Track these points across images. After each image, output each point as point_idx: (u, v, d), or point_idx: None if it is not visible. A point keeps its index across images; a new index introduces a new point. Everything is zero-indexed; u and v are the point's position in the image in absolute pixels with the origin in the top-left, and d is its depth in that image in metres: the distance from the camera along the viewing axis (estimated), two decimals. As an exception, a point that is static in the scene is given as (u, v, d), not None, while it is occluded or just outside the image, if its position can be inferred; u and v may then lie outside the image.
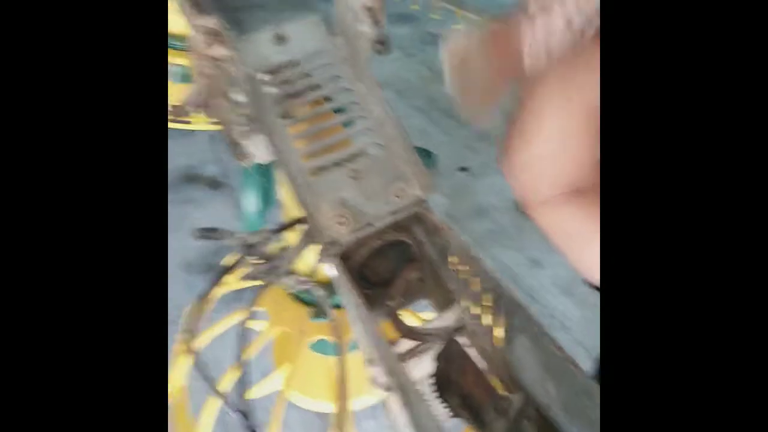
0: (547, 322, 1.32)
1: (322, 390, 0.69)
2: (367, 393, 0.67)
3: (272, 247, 0.28)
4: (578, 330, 1.30)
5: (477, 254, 0.29)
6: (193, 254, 1.53)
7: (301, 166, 0.32)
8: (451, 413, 0.27)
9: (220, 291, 0.75)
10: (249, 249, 0.27)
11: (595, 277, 0.41)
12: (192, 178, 1.75)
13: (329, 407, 0.69)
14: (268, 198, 0.81)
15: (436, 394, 0.28)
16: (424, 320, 0.40)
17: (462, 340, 0.30)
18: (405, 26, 2.38)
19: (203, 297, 0.27)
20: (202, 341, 0.65)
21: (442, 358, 0.28)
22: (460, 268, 0.31)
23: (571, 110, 0.22)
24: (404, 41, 2.35)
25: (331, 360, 0.69)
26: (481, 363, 0.29)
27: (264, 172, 0.80)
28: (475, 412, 0.26)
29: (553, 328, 1.29)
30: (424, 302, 0.38)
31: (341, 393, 0.39)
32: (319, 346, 0.68)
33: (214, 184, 1.77)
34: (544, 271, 1.45)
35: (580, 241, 0.39)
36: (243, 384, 0.24)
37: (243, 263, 0.28)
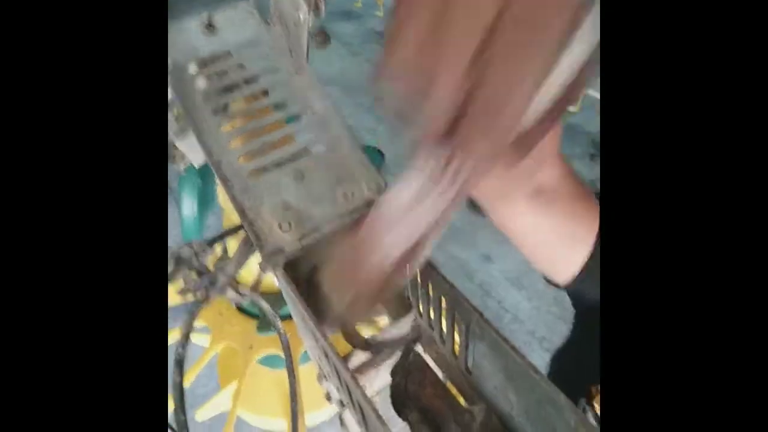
0: (501, 314, 1.34)
1: (274, 406, 0.65)
2: (320, 407, 0.65)
3: (209, 258, 0.25)
4: (530, 322, 1.34)
5: (431, 259, 0.27)
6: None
7: (237, 168, 0.29)
8: (411, 428, 0.26)
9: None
10: (182, 262, 0.24)
11: (561, 277, 0.41)
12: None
13: (281, 424, 0.66)
14: (206, 202, 0.76)
15: (394, 409, 0.26)
16: (380, 328, 0.38)
17: (421, 346, 0.28)
18: (349, 24, 2.36)
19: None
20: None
21: (400, 372, 0.26)
22: (414, 274, 0.29)
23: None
24: (348, 39, 2.32)
25: (282, 374, 0.65)
26: (439, 373, 0.27)
27: (202, 174, 0.75)
28: (436, 426, 0.24)
29: (506, 320, 1.32)
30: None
31: (294, 410, 0.36)
32: (268, 361, 0.64)
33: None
34: (495, 265, 1.47)
35: (544, 244, 0.39)
36: (183, 414, 0.21)
37: (178, 277, 0.25)
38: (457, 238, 1.52)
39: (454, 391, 0.26)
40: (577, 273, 0.40)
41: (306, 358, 0.57)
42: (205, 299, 0.27)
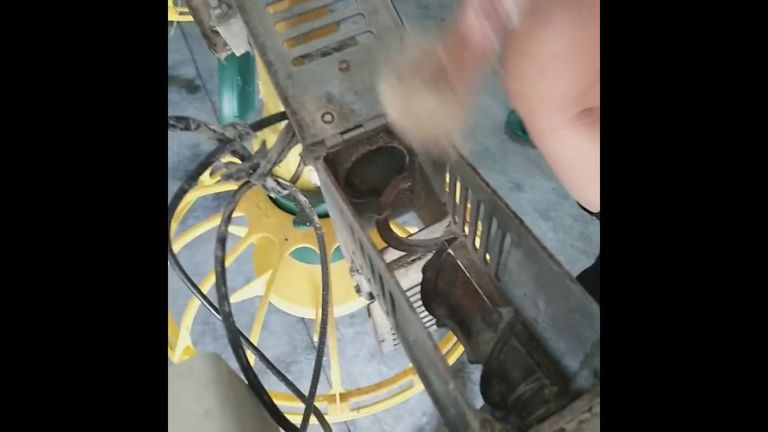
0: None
1: (304, 296, 0.70)
2: (345, 301, 0.69)
3: (251, 144, 0.25)
4: (553, 251, 1.35)
5: (472, 165, 0.27)
6: (171, 160, 1.48)
7: (283, 54, 0.28)
8: (437, 322, 0.27)
9: (196, 194, 0.72)
10: (225, 144, 0.24)
11: (597, 206, 0.40)
12: (168, 80, 1.64)
13: (310, 313, 0.71)
14: (246, 100, 0.75)
15: (423, 303, 0.27)
16: (409, 233, 0.39)
17: (453, 251, 0.29)
18: None
19: (179, 195, 0.24)
20: (179, 244, 0.63)
21: (432, 268, 0.27)
22: (453, 179, 0.29)
23: (581, 16, 0.19)
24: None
25: (313, 268, 0.69)
26: (471, 275, 0.28)
27: (242, 72, 0.73)
28: (462, 322, 0.25)
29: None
30: (407, 218, 0.36)
31: (326, 300, 0.39)
32: (301, 254, 0.67)
33: (191, 87, 1.66)
34: (524, 194, 1.45)
35: (587, 172, 0.38)
36: (224, 287, 0.23)
37: (220, 158, 0.25)
38: (488, 164, 1.49)
39: (483, 294, 0.27)
40: None
41: (336, 256, 0.60)
42: (248, 184, 0.28)
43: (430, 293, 0.26)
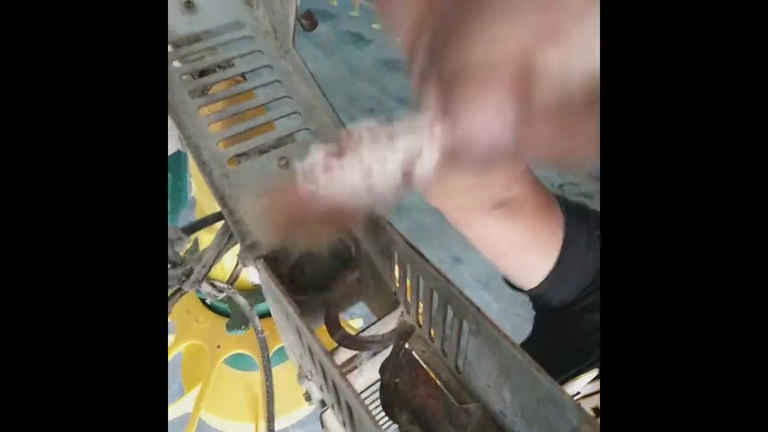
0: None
1: (240, 409, 0.62)
2: (290, 410, 0.62)
3: (184, 249, 0.23)
4: (497, 323, 1.36)
5: (420, 252, 0.26)
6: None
7: (218, 154, 0.27)
8: (401, 429, 0.24)
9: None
10: (152, 251, 0.22)
11: (525, 284, 0.41)
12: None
13: (249, 428, 0.63)
14: (177, 197, 0.72)
15: (383, 408, 0.25)
16: (355, 329, 0.37)
17: (409, 345, 0.27)
18: (324, 24, 2.34)
19: None
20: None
21: (389, 369, 0.25)
22: (403, 268, 0.28)
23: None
24: (323, 39, 2.30)
25: (249, 375, 0.63)
26: (431, 370, 0.26)
27: (172, 166, 0.71)
28: (428, 427, 0.23)
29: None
30: (351, 310, 0.34)
31: (270, 410, 0.34)
32: (235, 360, 0.61)
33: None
34: (464, 267, 1.49)
35: (510, 253, 0.39)
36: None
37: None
38: (427, 239, 1.53)
39: (445, 391, 0.25)
40: (541, 281, 0.41)
41: (277, 359, 0.55)
42: (180, 291, 0.25)
43: (390, 397, 0.24)
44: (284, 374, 0.54)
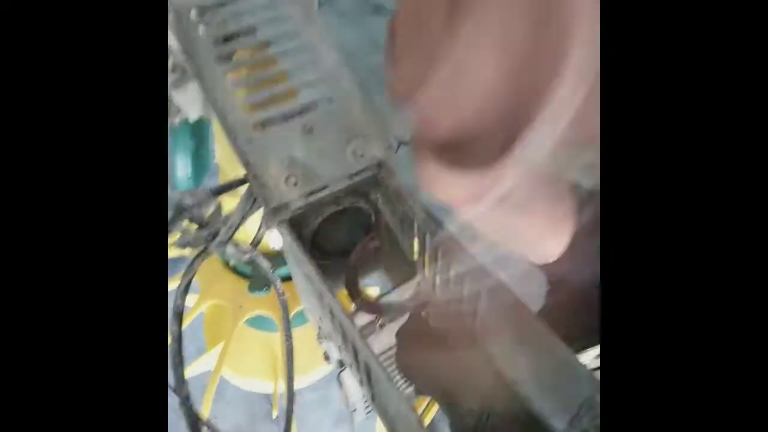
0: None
1: (260, 368, 0.65)
2: (309, 370, 0.65)
3: (211, 210, 0.24)
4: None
5: (442, 223, 0.27)
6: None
7: (243, 119, 0.28)
8: (417, 390, 0.25)
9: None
10: (184, 212, 0.23)
11: (533, 258, 0.43)
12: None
13: (268, 386, 0.66)
14: (200, 161, 0.73)
15: (400, 371, 0.25)
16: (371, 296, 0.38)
17: (425, 313, 0.28)
18: (345, -8, 2.27)
19: None
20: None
21: (406, 334, 0.26)
22: (422, 238, 0.28)
23: None
24: (345, 9, 2.24)
25: (269, 335, 0.65)
26: (447, 338, 0.27)
27: (195, 132, 0.72)
28: (443, 391, 0.24)
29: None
30: (367, 279, 0.35)
31: (289, 371, 0.36)
32: (256, 321, 0.64)
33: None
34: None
35: (517, 245, 0.41)
36: (182, 367, 0.20)
37: (177, 227, 0.24)
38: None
39: (462, 358, 0.26)
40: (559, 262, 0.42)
41: (298, 321, 0.57)
42: (205, 252, 0.26)
43: (406, 360, 0.25)
44: (302, 336, 0.55)
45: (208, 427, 0.23)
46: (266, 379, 0.66)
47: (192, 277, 0.24)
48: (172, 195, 0.22)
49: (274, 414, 0.76)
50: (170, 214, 0.23)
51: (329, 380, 0.75)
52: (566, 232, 0.39)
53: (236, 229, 0.24)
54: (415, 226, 0.29)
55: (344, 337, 0.26)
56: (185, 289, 0.24)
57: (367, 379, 0.25)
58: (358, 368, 0.26)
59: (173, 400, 0.23)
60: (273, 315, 0.55)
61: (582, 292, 0.43)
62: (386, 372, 0.21)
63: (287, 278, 0.56)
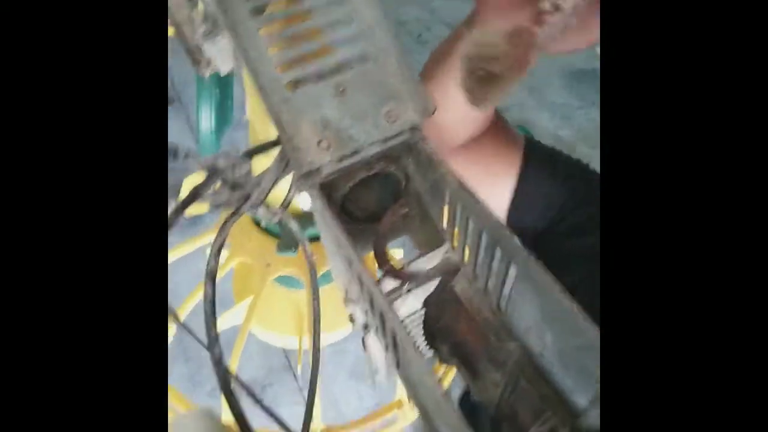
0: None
1: (285, 324, 0.67)
2: (332, 329, 0.66)
3: (244, 172, 0.24)
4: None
5: (473, 193, 0.26)
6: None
7: (276, 78, 0.27)
8: (440, 359, 0.26)
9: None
10: (218, 174, 0.23)
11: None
12: (141, 90, 1.59)
13: (292, 342, 0.68)
14: (224, 115, 0.73)
15: (425, 338, 0.26)
16: (396, 260, 0.38)
17: (453, 282, 0.27)
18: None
19: (169, 220, 0.23)
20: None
21: (434, 302, 0.26)
22: (453, 207, 0.28)
23: None
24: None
25: (295, 293, 0.67)
26: (473, 307, 0.27)
27: (220, 85, 0.71)
28: (467, 361, 0.24)
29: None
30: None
31: (315, 328, 0.37)
32: (282, 279, 0.65)
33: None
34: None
35: (480, 181, 0.44)
36: (215, 329, 0.21)
37: (210, 188, 0.24)
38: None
39: (486, 330, 0.26)
40: (505, 206, 0.46)
41: (323, 281, 0.58)
42: (237, 213, 0.26)
43: (432, 328, 0.25)
44: (327, 295, 0.56)
45: (240, 385, 0.24)
46: (290, 334, 0.68)
47: (225, 238, 0.25)
48: (206, 157, 0.22)
49: (299, 369, 0.79)
50: (204, 175, 0.23)
51: (346, 346, 0.77)
52: (508, 183, 0.43)
53: (268, 192, 0.24)
54: (447, 194, 0.28)
55: (371, 303, 0.26)
56: (218, 250, 0.24)
57: (393, 345, 0.25)
58: (384, 335, 0.26)
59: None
60: (300, 274, 0.56)
61: (546, 238, 0.47)
62: (413, 342, 0.21)
63: (315, 239, 0.56)
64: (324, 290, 0.58)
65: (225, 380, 0.19)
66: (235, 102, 0.74)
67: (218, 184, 0.25)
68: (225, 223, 0.26)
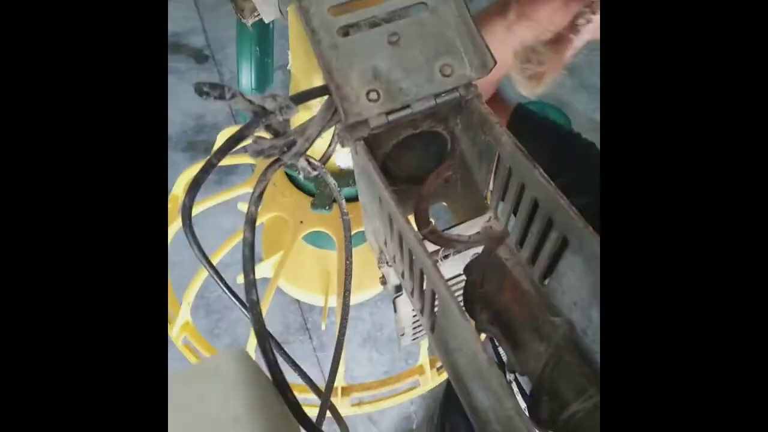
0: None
1: (312, 282, 0.68)
2: (357, 290, 0.67)
3: (291, 117, 0.23)
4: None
5: (530, 157, 0.24)
6: (174, 130, 1.44)
7: (328, 22, 0.26)
8: (477, 326, 0.25)
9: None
10: (262, 117, 0.22)
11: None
12: (176, 48, 1.59)
13: (318, 299, 0.69)
14: (264, 74, 0.72)
15: (465, 304, 0.25)
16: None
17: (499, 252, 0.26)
18: None
19: (206, 170, 0.22)
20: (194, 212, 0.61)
21: (477, 268, 0.25)
22: (504, 172, 0.26)
23: None
24: None
25: (323, 252, 0.67)
26: (520, 280, 0.26)
27: (260, 43, 0.70)
28: (509, 331, 0.23)
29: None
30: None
31: (346, 286, 0.36)
32: (311, 238, 0.65)
33: (199, 56, 1.61)
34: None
35: None
36: (252, 274, 0.21)
37: (254, 130, 0.23)
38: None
39: (531, 301, 0.25)
40: None
41: (353, 241, 0.58)
42: (279, 162, 0.26)
43: (473, 295, 0.24)
44: (355, 257, 0.56)
45: (269, 337, 0.24)
46: (317, 293, 0.69)
47: (265, 186, 0.24)
48: (252, 98, 0.21)
49: (323, 325, 0.80)
50: (248, 117, 0.22)
51: (370, 297, 0.77)
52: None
53: (313, 141, 0.23)
54: (498, 157, 0.26)
55: (411, 264, 0.25)
56: (259, 195, 0.23)
57: (431, 309, 0.24)
58: (420, 296, 0.25)
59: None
60: (332, 233, 0.56)
61: None
62: (459, 305, 0.20)
63: (350, 199, 0.56)
64: (354, 250, 0.58)
65: (261, 328, 0.19)
66: (274, 60, 0.73)
67: (261, 130, 0.24)
68: (267, 169, 0.25)
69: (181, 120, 1.46)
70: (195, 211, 0.63)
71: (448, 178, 0.32)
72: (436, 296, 0.22)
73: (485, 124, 0.26)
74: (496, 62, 0.25)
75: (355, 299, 0.70)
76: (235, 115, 1.42)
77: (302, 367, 0.29)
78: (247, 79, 0.70)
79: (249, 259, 0.21)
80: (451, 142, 0.31)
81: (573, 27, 0.22)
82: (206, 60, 1.60)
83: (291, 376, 0.23)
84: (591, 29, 0.26)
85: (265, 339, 0.21)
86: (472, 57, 0.26)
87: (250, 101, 0.21)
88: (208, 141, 1.41)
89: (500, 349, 0.24)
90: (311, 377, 0.30)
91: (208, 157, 0.23)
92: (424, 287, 0.23)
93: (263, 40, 0.71)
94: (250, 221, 0.22)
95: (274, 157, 0.26)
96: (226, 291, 0.26)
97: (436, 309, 0.23)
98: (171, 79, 1.45)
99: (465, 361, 0.21)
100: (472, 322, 0.19)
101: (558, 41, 0.23)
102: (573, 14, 0.23)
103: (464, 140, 0.30)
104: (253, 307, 0.20)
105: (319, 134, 0.24)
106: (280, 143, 0.24)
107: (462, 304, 0.25)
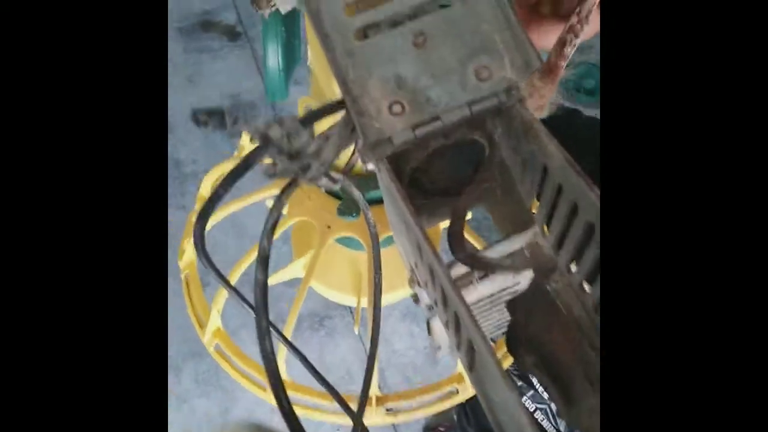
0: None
1: (343, 282, 0.66)
2: (389, 291, 0.65)
3: (302, 141, 0.20)
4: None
5: (586, 176, 0.20)
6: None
7: (342, 22, 0.22)
8: (522, 367, 0.22)
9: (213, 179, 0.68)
10: (269, 145, 0.19)
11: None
12: (208, 26, 1.58)
13: (350, 300, 0.67)
14: (292, 54, 0.69)
15: (509, 346, 0.22)
16: (474, 236, 0.34)
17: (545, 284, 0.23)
18: None
19: (213, 200, 0.20)
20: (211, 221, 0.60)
21: (521, 306, 0.22)
22: (553, 187, 0.23)
23: None
24: None
25: (355, 253, 0.65)
26: (566, 310, 0.22)
27: (286, 23, 0.67)
28: (559, 379, 0.20)
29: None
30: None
31: (376, 302, 0.34)
32: (343, 241, 0.63)
33: (232, 33, 1.59)
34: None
35: None
36: (266, 319, 0.18)
37: (263, 157, 0.20)
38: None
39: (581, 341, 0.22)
40: None
41: (384, 243, 0.56)
42: (294, 185, 0.23)
43: (518, 336, 0.21)
44: (387, 257, 0.54)
45: (279, 334, 0.23)
46: (348, 293, 0.67)
47: (279, 215, 0.21)
48: (258, 125, 0.18)
49: (356, 329, 0.79)
50: (257, 143, 0.20)
51: (404, 296, 0.75)
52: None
53: (329, 165, 0.21)
54: (545, 171, 0.23)
55: (444, 301, 0.22)
56: (272, 228, 0.21)
57: (467, 350, 0.21)
58: (456, 334, 0.23)
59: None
60: (360, 238, 0.54)
61: None
62: (498, 362, 0.17)
63: (379, 201, 0.53)
64: (385, 252, 0.56)
65: (276, 379, 0.17)
66: (305, 53, 0.70)
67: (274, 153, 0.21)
68: (281, 194, 0.23)
69: (217, 98, 1.46)
70: (219, 216, 0.62)
71: (486, 189, 0.29)
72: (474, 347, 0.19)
73: (529, 131, 0.23)
74: (541, 61, 0.22)
75: (387, 299, 0.67)
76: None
77: (343, 338, 0.28)
78: (273, 61, 0.67)
79: (262, 305, 0.19)
80: (490, 148, 0.27)
81: (561, 54, 0.22)
82: (239, 37, 1.58)
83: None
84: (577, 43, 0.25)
85: (280, 391, 0.18)
86: (514, 55, 0.22)
87: (253, 129, 0.18)
88: (244, 120, 1.42)
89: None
90: (351, 348, 0.28)
91: (216, 187, 0.21)
92: (461, 332, 0.20)
93: (290, 21, 0.68)
94: (263, 259, 0.20)
95: (290, 179, 0.24)
96: (246, 301, 0.24)
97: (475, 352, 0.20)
98: (205, 58, 1.45)
99: (506, 418, 0.18)
100: (514, 385, 0.16)
101: (551, 71, 0.23)
102: (557, 38, 0.22)
103: (505, 147, 0.26)
104: (268, 360, 0.18)
105: (336, 155, 0.22)
106: (294, 167, 0.21)
107: (506, 343, 0.22)
